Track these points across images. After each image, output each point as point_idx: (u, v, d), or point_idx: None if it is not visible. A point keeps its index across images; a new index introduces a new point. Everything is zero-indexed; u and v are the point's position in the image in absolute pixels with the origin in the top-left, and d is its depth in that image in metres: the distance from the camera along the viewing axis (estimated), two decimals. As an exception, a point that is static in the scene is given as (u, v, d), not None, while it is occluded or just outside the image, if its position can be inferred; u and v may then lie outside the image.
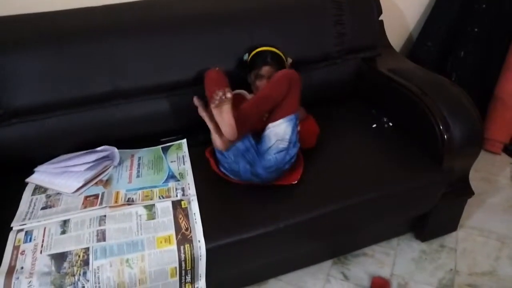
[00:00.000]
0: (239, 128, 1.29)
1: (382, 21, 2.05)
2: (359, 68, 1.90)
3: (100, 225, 1.23)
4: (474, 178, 1.71)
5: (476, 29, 2.18)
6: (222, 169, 1.44)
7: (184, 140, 1.62)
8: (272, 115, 1.40)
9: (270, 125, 1.40)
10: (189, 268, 1.22)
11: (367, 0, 1.90)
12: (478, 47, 2.21)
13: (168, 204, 1.31)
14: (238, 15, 1.72)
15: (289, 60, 1.65)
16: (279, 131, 1.39)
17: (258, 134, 1.44)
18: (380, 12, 1.98)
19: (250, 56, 1.62)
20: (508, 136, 2.24)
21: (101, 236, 1.20)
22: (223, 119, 1.28)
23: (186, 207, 1.31)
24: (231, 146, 1.36)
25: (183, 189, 1.38)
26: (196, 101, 1.45)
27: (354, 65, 1.90)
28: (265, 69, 1.56)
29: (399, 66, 1.84)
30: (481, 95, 2.20)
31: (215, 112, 1.29)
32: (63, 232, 1.21)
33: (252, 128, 1.40)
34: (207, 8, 1.70)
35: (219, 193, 1.42)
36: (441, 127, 1.48)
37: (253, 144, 1.39)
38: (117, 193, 1.35)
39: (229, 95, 1.28)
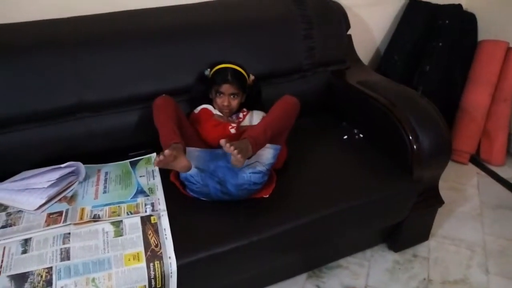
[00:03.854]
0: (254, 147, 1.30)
1: (350, 35, 2.09)
2: (329, 81, 1.92)
3: (64, 243, 1.17)
4: (443, 188, 1.74)
5: (440, 44, 2.25)
6: (191, 193, 1.40)
7: (154, 154, 1.57)
8: None
9: None
10: (159, 286, 1.17)
11: (335, 15, 1.93)
12: (442, 61, 2.28)
13: (136, 220, 1.27)
14: (209, 28, 1.71)
15: (251, 77, 1.64)
16: (263, 154, 1.38)
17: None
18: (348, 26, 2.01)
19: (211, 72, 1.60)
20: (474, 146, 2.30)
21: (65, 255, 1.14)
22: (178, 168, 1.28)
23: (156, 223, 1.27)
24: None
25: (152, 204, 1.34)
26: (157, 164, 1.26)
27: (324, 78, 1.91)
28: (225, 87, 1.54)
29: (368, 79, 1.86)
30: (447, 108, 2.25)
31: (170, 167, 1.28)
32: (24, 252, 1.15)
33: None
34: (177, 20, 1.69)
35: (190, 208, 1.38)
36: (410, 138, 1.50)
37: (224, 161, 1.36)
38: (83, 209, 1.30)
39: (167, 152, 1.21)
